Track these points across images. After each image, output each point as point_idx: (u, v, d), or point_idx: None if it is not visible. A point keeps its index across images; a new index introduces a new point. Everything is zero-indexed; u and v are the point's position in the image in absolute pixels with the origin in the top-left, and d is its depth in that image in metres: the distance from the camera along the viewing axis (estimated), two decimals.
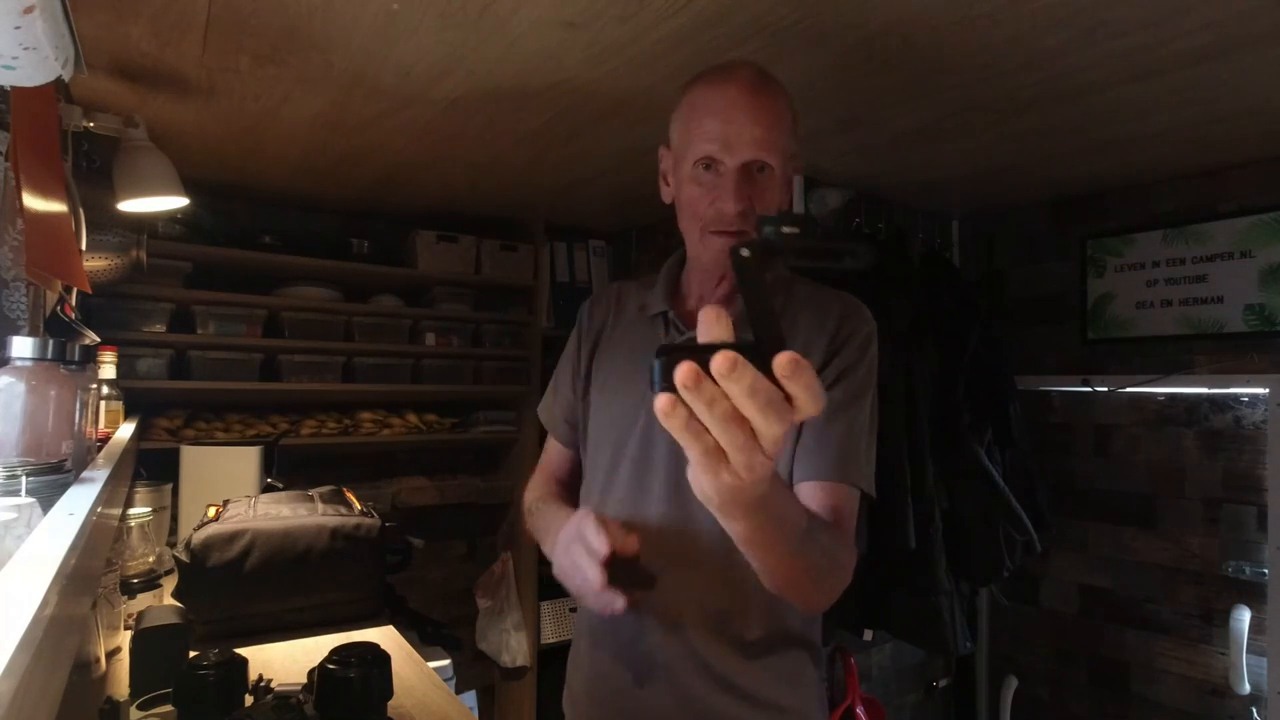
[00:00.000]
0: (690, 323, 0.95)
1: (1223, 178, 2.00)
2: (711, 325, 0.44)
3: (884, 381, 0.93)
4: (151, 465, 1.79)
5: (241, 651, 0.92)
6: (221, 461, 1.87)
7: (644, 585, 0.91)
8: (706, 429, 0.42)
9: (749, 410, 0.41)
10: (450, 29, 1.23)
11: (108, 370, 1.53)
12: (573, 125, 1.68)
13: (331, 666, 0.87)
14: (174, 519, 1.75)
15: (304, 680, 0.93)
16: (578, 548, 0.78)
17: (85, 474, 0.78)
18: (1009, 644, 2.45)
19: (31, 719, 0.34)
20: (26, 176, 0.80)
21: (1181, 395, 2.07)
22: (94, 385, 1.09)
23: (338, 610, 1.30)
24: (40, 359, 0.71)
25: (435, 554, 2.66)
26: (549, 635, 2.53)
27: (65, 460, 0.71)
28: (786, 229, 0.45)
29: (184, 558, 1.20)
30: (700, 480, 0.46)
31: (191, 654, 0.91)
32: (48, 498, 0.63)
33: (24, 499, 0.56)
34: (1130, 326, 2.17)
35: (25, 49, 0.51)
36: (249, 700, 0.90)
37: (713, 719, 0.88)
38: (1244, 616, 1.88)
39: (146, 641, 0.99)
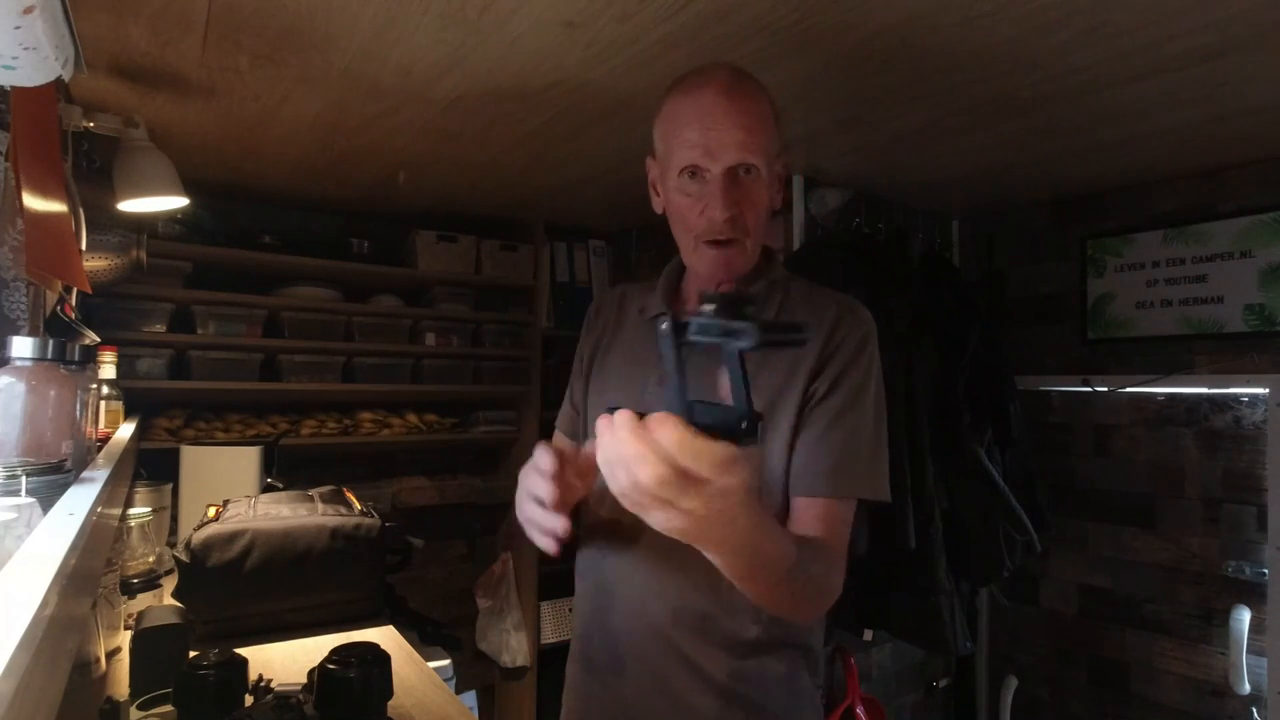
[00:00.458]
0: None
1: (1223, 178, 2.00)
2: None
3: (884, 381, 0.93)
4: (151, 465, 1.79)
5: (241, 651, 0.92)
6: (221, 461, 1.87)
7: (636, 585, 0.92)
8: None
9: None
10: (450, 29, 1.23)
11: (108, 370, 1.53)
12: (573, 125, 1.68)
13: (331, 666, 0.87)
14: (174, 519, 1.75)
15: (304, 680, 0.93)
16: (531, 473, 0.77)
17: (85, 474, 0.78)
18: (1009, 644, 2.45)
19: (31, 719, 0.34)
20: (26, 176, 0.80)
21: (1181, 395, 2.07)
22: (94, 385, 1.09)
23: (338, 610, 1.30)
24: (40, 359, 0.71)
25: (435, 554, 2.66)
26: (549, 635, 2.53)
27: (65, 460, 0.71)
28: (706, 307, 0.50)
29: (184, 558, 1.20)
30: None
31: (191, 654, 0.91)
32: (48, 498, 0.63)
33: (24, 499, 0.56)
34: (1130, 326, 2.17)
35: (25, 49, 0.51)
36: (249, 700, 0.90)
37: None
38: (1244, 616, 1.88)
39: (146, 641, 0.99)
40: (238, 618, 1.21)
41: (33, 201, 0.82)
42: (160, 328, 2.02)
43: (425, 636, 2.21)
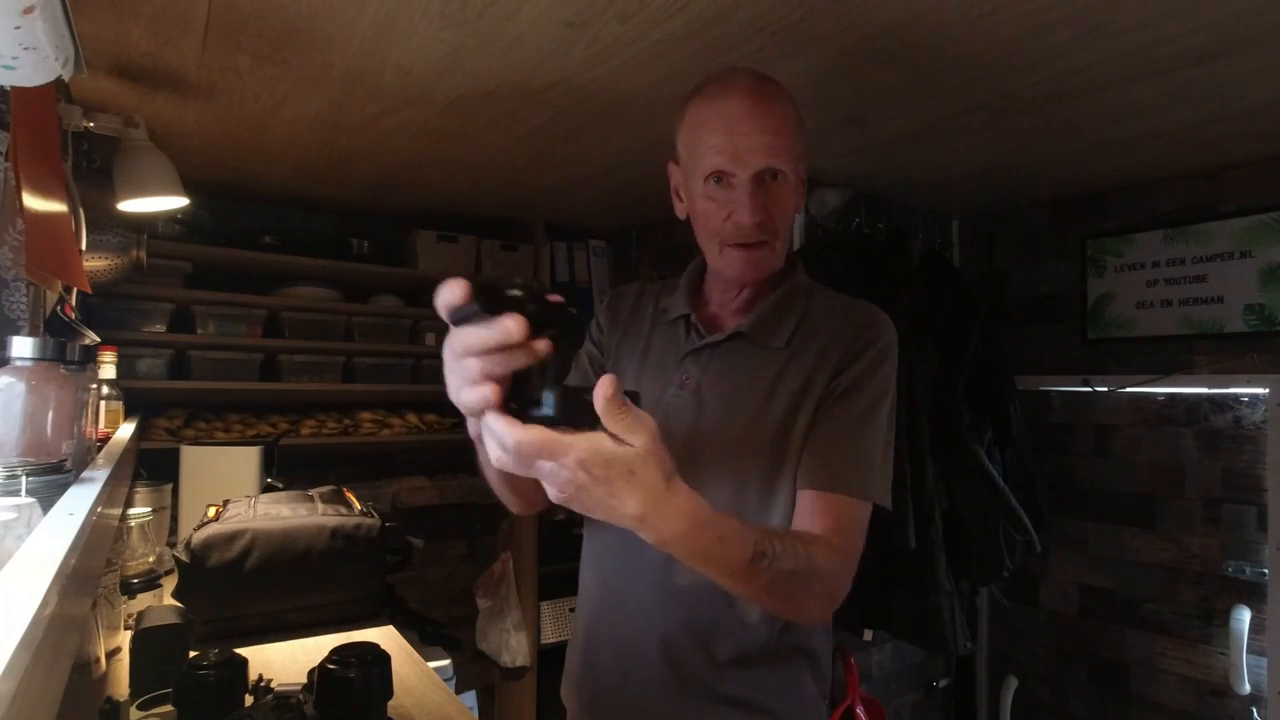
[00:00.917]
0: (710, 327, 0.95)
1: (1223, 178, 2.00)
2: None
3: None
4: (151, 465, 1.79)
5: (241, 651, 0.92)
6: (221, 461, 1.87)
7: (643, 585, 0.91)
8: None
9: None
10: (450, 29, 1.23)
11: (108, 370, 1.53)
12: (573, 125, 1.68)
13: (331, 666, 0.87)
14: (174, 519, 1.75)
15: (304, 680, 0.93)
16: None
17: (85, 474, 0.78)
18: (1009, 644, 2.45)
19: (31, 719, 0.34)
20: (26, 176, 0.80)
21: (1181, 395, 2.07)
22: (94, 385, 1.09)
23: (338, 610, 1.30)
24: (40, 359, 0.71)
25: (435, 554, 2.66)
26: (549, 635, 2.53)
27: (65, 460, 0.71)
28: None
29: (184, 558, 1.20)
30: None
31: (191, 654, 0.91)
32: (48, 498, 0.63)
33: (24, 499, 0.56)
34: (1130, 326, 2.17)
35: (25, 49, 0.51)
36: (249, 700, 0.90)
37: None
38: (1244, 616, 1.88)
39: (146, 641, 0.99)
40: (238, 618, 1.21)
41: (33, 201, 0.82)
42: (160, 328, 2.02)
43: (425, 636, 2.21)
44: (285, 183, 2.19)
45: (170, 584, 1.28)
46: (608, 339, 1.04)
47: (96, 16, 1.18)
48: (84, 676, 0.87)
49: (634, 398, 0.52)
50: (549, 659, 2.47)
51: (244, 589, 1.21)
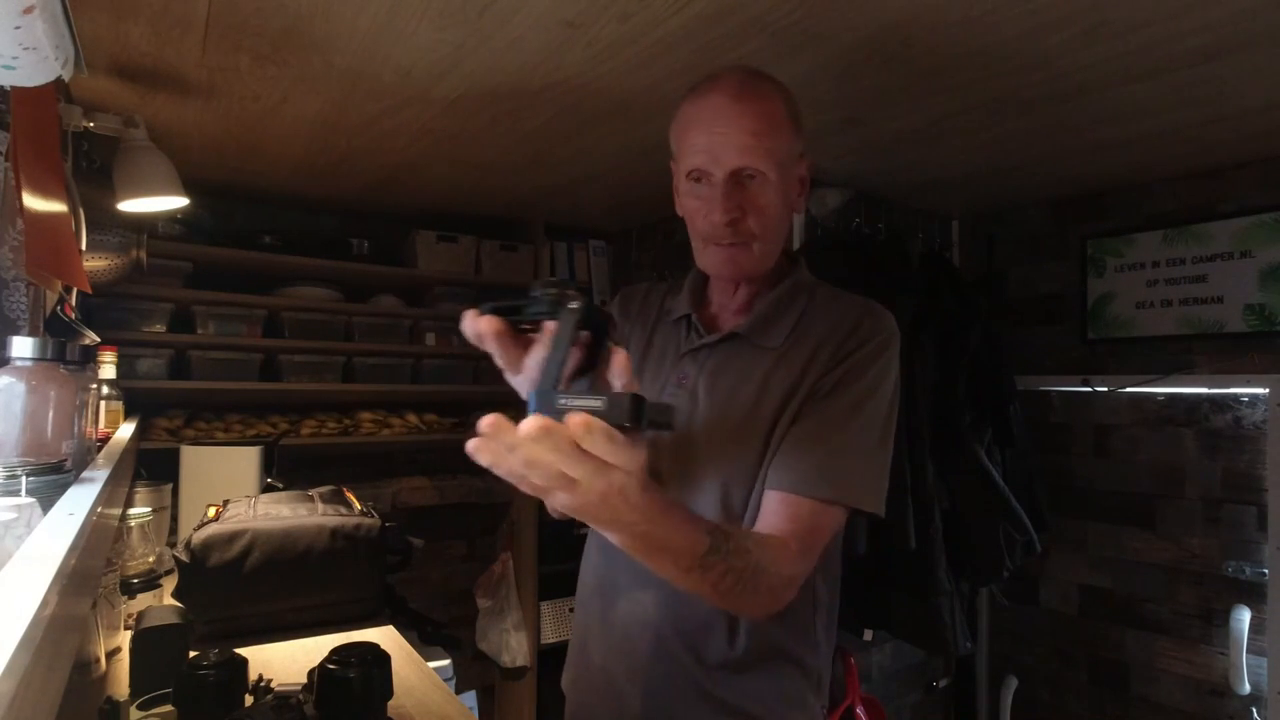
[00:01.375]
0: (711, 327, 0.95)
1: (1223, 178, 2.00)
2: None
3: None
4: (151, 465, 1.79)
5: (241, 651, 0.92)
6: (221, 461, 1.87)
7: (639, 590, 0.91)
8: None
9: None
10: (450, 29, 1.23)
11: (108, 370, 1.53)
12: (573, 125, 1.68)
13: (331, 666, 0.87)
14: (174, 519, 1.75)
15: (304, 680, 0.93)
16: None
17: (85, 474, 0.78)
18: (1009, 644, 2.45)
19: (31, 719, 0.34)
20: (26, 176, 0.80)
21: (1181, 395, 2.07)
22: (94, 385, 1.09)
23: (338, 610, 1.30)
24: (40, 359, 0.71)
25: (435, 554, 2.66)
26: (549, 635, 2.53)
27: (65, 460, 0.71)
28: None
29: (184, 558, 1.20)
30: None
31: (191, 654, 0.91)
32: (48, 498, 0.63)
33: (24, 499, 0.56)
34: (1130, 326, 2.17)
35: (25, 49, 0.51)
36: (249, 700, 0.90)
37: None
38: (1244, 616, 1.88)
39: (146, 641, 0.99)
40: (238, 618, 1.21)
41: (33, 201, 0.82)
42: (160, 328, 2.02)
43: (425, 636, 2.21)
44: (285, 183, 2.19)
45: (170, 584, 1.27)
46: (619, 335, 1.04)
47: (96, 16, 1.18)
48: (84, 676, 0.87)
49: (665, 411, 0.51)
50: (549, 659, 2.47)
51: (244, 589, 1.21)
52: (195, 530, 1.23)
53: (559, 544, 2.46)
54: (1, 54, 0.51)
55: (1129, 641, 2.15)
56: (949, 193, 2.27)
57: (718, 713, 0.87)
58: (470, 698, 2.46)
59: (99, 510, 0.67)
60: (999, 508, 1.99)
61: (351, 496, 1.49)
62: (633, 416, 0.47)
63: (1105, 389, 2.20)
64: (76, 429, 0.76)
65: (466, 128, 1.70)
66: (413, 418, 2.41)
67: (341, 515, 1.34)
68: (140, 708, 0.93)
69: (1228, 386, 1.97)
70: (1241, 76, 1.39)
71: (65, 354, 0.73)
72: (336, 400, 2.38)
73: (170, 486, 1.68)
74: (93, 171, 1.55)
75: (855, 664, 2.11)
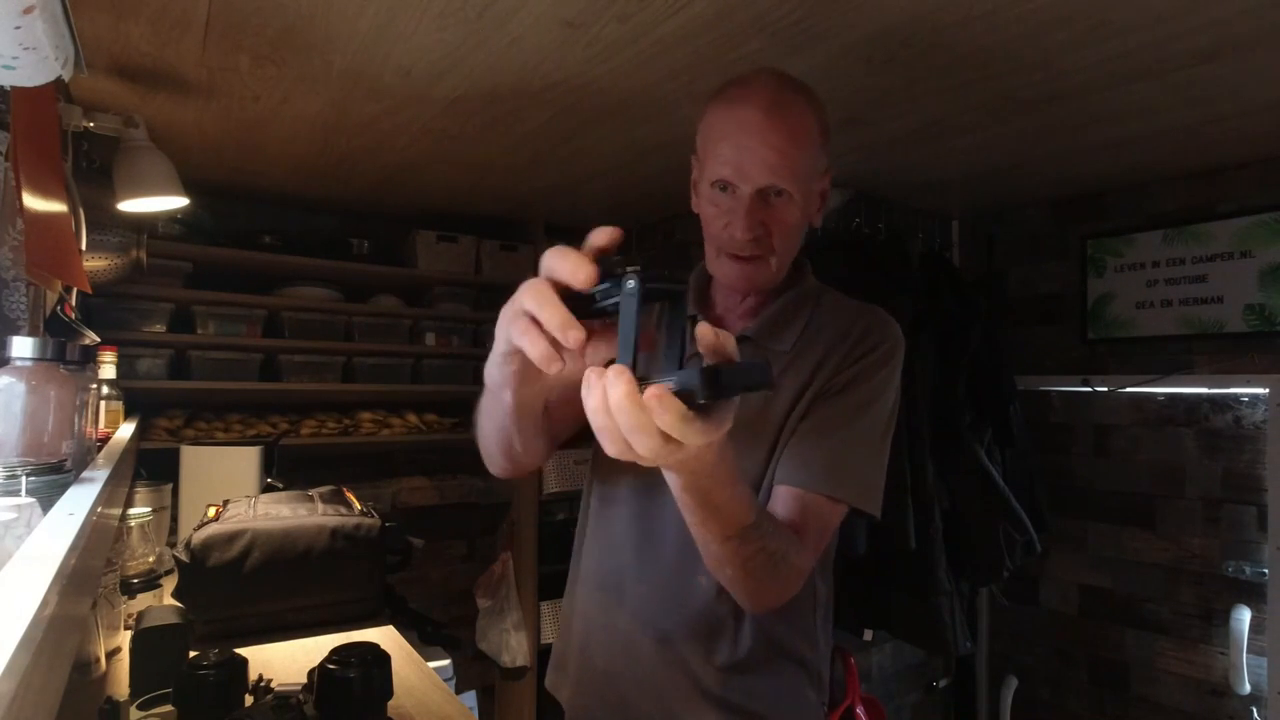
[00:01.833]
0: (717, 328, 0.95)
1: (1223, 178, 2.00)
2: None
3: None
4: (151, 465, 1.79)
5: (241, 651, 0.92)
6: (221, 461, 1.87)
7: (639, 586, 0.91)
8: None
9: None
10: (450, 29, 1.23)
11: (108, 370, 1.53)
12: (573, 125, 1.68)
13: (331, 666, 0.87)
14: (174, 519, 1.75)
15: (304, 680, 0.93)
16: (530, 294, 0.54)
17: (85, 474, 0.78)
18: (1009, 644, 2.45)
19: (31, 719, 0.34)
20: (26, 176, 0.80)
21: (1181, 395, 2.07)
22: (94, 385, 1.09)
23: (338, 610, 1.30)
24: (40, 359, 0.71)
25: (435, 554, 2.66)
26: (549, 635, 2.52)
27: (65, 460, 0.71)
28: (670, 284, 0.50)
29: (184, 558, 1.20)
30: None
31: (191, 654, 0.91)
32: (48, 498, 0.63)
33: (24, 499, 0.56)
34: (1130, 326, 2.17)
35: (25, 49, 0.51)
36: (249, 700, 0.90)
37: None
38: (1244, 616, 1.88)
39: (146, 641, 0.99)
40: (238, 618, 1.21)
41: (33, 201, 0.82)
42: (160, 328, 2.02)
43: (425, 636, 2.21)
44: (285, 183, 2.19)
45: (170, 584, 1.27)
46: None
47: (96, 17, 1.18)
48: (84, 676, 0.87)
49: (753, 372, 0.49)
50: (549, 659, 2.47)
51: (244, 589, 1.21)
52: (195, 530, 1.23)
53: (559, 544, 2.46)
54: (1, 54, 0.51)
55: (1129, 641, 2.15)
56: (949, 193, 2.26)
57: (723, 713, 0.88)
58: (470, 698, 2.46)
59: (99, 510, 0.67)
60: (999, 508, 1.99)
61: (351, 496, 1.49)
62: (709, 391, 0.45)
63: (1105, 389, 2.20)
64: (76, 429, 0.76)
65: (466, 128, 1.70)
66: (413, 418, 2.41)
67: (341, 515, 1.34)
68: (140, 708, 0.93)
69: (1228, 386, 1.97)
70: (1241, 76, 1.39)
71: (65, 354, 0.73)
72: (336, 400, 2.38)
73: (170, 486, 1.68)
74: (93, 171, 1.55)
75: (855, 664, 2.11)
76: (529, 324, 0.51)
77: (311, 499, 1.42)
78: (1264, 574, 1.89)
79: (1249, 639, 1.87)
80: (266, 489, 1.79)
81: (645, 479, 0.91)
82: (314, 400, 2.33)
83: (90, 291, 1.30)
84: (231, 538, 1.22)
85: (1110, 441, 2.21)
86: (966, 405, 2.04)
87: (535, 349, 0.50)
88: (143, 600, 1.27)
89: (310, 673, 0.91)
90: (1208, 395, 2.02)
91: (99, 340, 1.48)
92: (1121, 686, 2.16)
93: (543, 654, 2.50)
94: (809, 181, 0.85)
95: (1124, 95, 1.48)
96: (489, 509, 2.70)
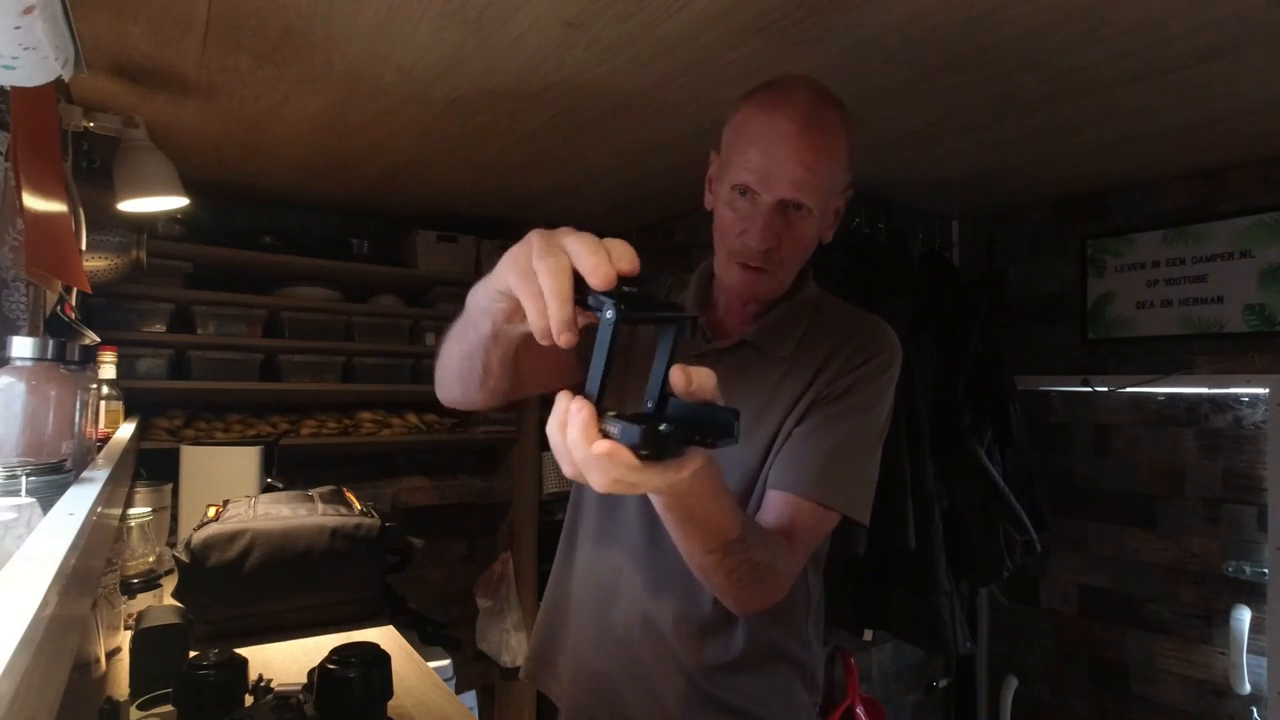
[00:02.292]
0: (719, 330, 0.94)
1: (1223, 178, 2.00)
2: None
3: None
4: (151, 465, 1.79)
5: (241, 651, 0.92)
6: (221, 461, 1.87)
7: (633, 585, 0.92)
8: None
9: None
10: (450, 29, 1.23)
11: (108, 370, 1.53)
12: (573, 125, 1.68)
13: (331, 666, 0.87)
14: (174, 519, 1.75)
15: (304, 680, 0.93)
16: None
17: (85, 474, 0.78)
18: (1009, 644, 2.45)
19: (31, 719, 0.34)
20: (26, 176, 0.80)
21: (1181, 395, 2.07)
22: (94, 385, 1.09)
23: (338, 610, 1.30)
24: (40, 359, 0.71)
25: (435, 554, 2.66)
26: None
27: (65, 460, 0.71)
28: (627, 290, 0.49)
29: (184, 558, 1.20)
30: None
31: (191, 654, 0.91)
32: (48, 498, 0.63)
33: (24, 499, 0.56)
34: (1130, 326, 2.17)
35: (25, 49, 0.51)
36: (249, 700, 0.90)
37: None
38: (1244, 616, 1.88)
39: (146, 641, 0.99)
40: (238, 618, 1.21)
41: (33, 201, 0.82)
42: (160, 328, 2.02)
43: (425, 636, 2.21)
44: (285, 183, 2.19)
45: (170, 584, 1.27)
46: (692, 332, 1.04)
47: (96, 17, 1.18)
48: (84, 676, 0.87)
49: (715, 426, 0.49)
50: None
51: (244, 589, 1.21)
52: (195, 530, 1.23)
53: (558, 544, 2.46)
54: (1, 54, 0.51)
55: (1129, 641, 2.15)
56: (949, 193, 2.26)
57: (718, 712, 0.88)
58: (470, 698, 2.46)
59: (99, 510, 0.67)
60: (999, 508, 1.99)
61: (351, 496, 1.49)
62: (648, 449, 0.46)
63: (1105, 389, 2.20)
64: (76, 429, 0.76)
65: (466, 128, 1.70)
66: (413, 418, 2.41)
67: (341, 515, 1.34)
68: (140, 708, 0.93)
69: (1228, 386, 1.97)
70: (1241, 76, 1.39)
71: (65, 354, 0.73)
72: (336, 400, 2.38)
73: (170, 486, 1.68)
74: (93, 171, 1.55)
75: (855, 664, 2.11)
76: (536, 294, 0.50)
77: (311, 499, 1.42)
78: (1264, 574, 1.89)
79: (1249, 639, 1.87)
80: (266, 489, 1.79)
81: None
82: (314, 400, 2.33)
83: (90, 291, 1.30)
84: (231, 538, 1.22)
85: (1110, 441, 2.21)
86: (966, 405, 2.04)
87: (537, 321, 0.50)
88: (143, 600, 1.27)
89: (310, 673, 0.91)
90: (1208, 395, 2.02)
91: (99, 340, 1.48)
92: (1121, 686, 2.16)
93: None
94: (829, 198, 0.85)
95: (1124, 95, 1.48)
96: (489, 509, 2.70)
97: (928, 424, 1.94)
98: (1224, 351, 2.00)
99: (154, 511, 1.46)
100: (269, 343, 2.18)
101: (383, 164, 2.00)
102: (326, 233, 2.49)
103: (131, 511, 1.37)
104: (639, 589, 0.91)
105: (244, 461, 1.87)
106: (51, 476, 0.67)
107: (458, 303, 2.42)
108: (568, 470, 0.49)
